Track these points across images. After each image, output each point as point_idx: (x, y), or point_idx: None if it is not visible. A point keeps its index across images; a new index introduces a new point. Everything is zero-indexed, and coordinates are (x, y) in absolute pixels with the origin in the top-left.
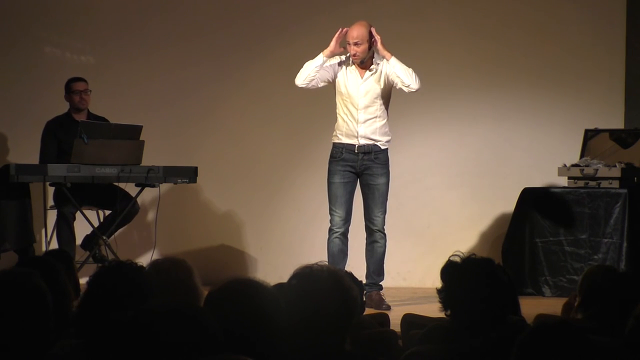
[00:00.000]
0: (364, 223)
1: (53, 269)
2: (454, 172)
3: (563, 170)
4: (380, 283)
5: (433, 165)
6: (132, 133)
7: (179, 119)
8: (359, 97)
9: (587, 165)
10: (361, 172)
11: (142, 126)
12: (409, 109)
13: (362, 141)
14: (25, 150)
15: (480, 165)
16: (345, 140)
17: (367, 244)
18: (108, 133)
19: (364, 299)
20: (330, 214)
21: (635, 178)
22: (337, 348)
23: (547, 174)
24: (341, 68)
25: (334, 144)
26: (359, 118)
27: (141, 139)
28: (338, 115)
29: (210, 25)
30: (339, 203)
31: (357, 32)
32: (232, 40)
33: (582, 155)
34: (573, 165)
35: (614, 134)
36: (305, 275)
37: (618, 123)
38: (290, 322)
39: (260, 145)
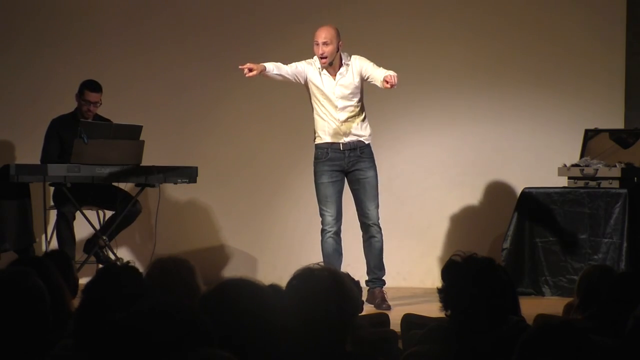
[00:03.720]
0: (353, 222)
1: (47, 268)
2: (454, 172)
3: (563, 170)
4: (383, 278)
5: (433, 165)
6: (132, 133)
7: (178, 119)
8: (335, 98)
9: (587, 165)
10: (348, 169)
11: (142, 126)
12: (409, 108)
13: (347, 139)
14: (25, 150)
15: (480, 165)
16: (329, 139)
17: (364, 241)
18: (108, 133)
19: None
20: (322, 215)
21: (635, 178)
22: (337, 349)
23: (547, 174)
24: (313, 71)
25: (317, 145)
26: (340, 117)
27: (141, 139)
28: (317, 117)
29: (209, 24)
30: (330, 202)
31: (325, 32)
32: (230, 39)
33: (582, 155)
34: (573, 165)
35: (614, 134)
36: (306, 276)
37: (618, 123)
38: (290, 323)
39: (259, 144)
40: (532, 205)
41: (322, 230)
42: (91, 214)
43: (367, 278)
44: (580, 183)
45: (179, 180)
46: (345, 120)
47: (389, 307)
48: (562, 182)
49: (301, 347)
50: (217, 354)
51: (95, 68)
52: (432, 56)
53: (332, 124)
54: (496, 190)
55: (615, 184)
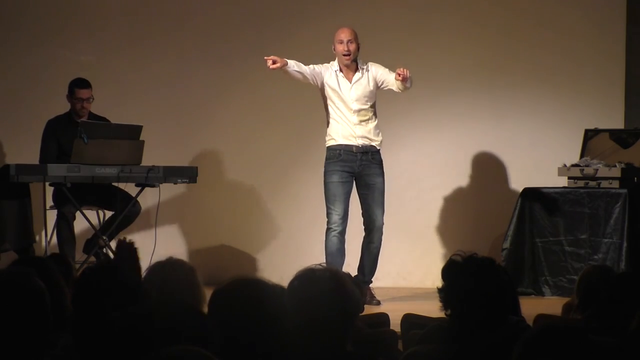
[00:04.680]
0: (353, 224)
1: (48, 268)
2: (454, 172)
3: (563, 170)
4: (371, 279)
5: (433, 165)
6: (132, 133)
7: (178, 119)
8: (350, 101)
9: (587, 165)
10: (359, 172)
11: (142, 126)
12: (409, 109)
13: (360, 141)
14: (25, 151)
15: (480, 165)
16: (342, 141)
17: (365, 243)
18: (108, 133)
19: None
20: (329, 213)
21: (635, 178)
22: (338, 349)
23: (547, 174)
24: (329, 74)
25: (330, 147)
26: (354, 120)
27: (141, 139)
28: (332, 120)
29: (209, 24)
30: (338, 202)
31: (349, 31)
32: (233, 40)
33: (582, 155)
34: (573, 165)
35: (614, 134)
36: (307, 277)
37: (618, 123)
38: (292, 324)
39: (260, 144)
40: (532, 205)
41: (328, 229)
42: (91, 214)
43: (356, 274)
44: (580, 183)
45: (179, 180)
46: (359, 124)
47: (379, 302)
48: (562, 182)
49: (302, 347)
50: (192, 350)
51: (94, 68)
52: (432, 56)
53: (346, 127)
54: (496, 190)
55: (615, 184)
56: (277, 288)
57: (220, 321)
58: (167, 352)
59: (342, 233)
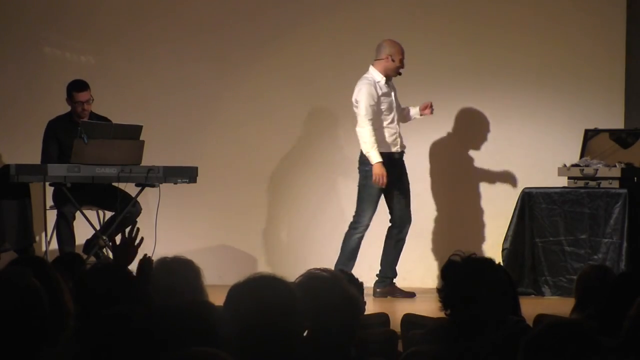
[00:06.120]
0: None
1: (45, 267)
2: (454, 172)
3: (563, 170)
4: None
5: (433, 165)
6: (132, 133)
7: (178, 119)
8: (394, 110)
9: (587, 165)
10: (398, 177)
11: (142, 126)
12: None
13: (399, 148)
14: (26, 151)
15: (480, 165)
16: (386, 148)
17: (395, 241)
18: (108, 133)
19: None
20: (361, 215)
21: (635, 178)
22: (342, 355)
23: (547, 174)
24: (379, 89)
25: (381, 153)
26: (399, 127)
27: (141, 139)
28: (380, 127)
29: (211, 24)
30: (372, 207)
31: None
32: (233, 40)
33: (582, 155)
34: (573, 165)
35: (614, 134)
36: (310, 284)
37: (618, 123)
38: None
39: (260, 144)
40: (532, 205)
41: (355, 229)
42: (91, 214)
43: (386, 274)
44: (580, 183)
45: (179, 180)
46: (400, 130)
47: (414, 294)
48: (562, 182)
49: (305, 353)
50: (209, 352)
51: (96, 68)
52: (432, 56)
53: (392, 133)
54: (496, 190)
55: (615, 184)
56: (291, 285)
57: (236, 316)
58: (183, 354)
59: (363, 237)
